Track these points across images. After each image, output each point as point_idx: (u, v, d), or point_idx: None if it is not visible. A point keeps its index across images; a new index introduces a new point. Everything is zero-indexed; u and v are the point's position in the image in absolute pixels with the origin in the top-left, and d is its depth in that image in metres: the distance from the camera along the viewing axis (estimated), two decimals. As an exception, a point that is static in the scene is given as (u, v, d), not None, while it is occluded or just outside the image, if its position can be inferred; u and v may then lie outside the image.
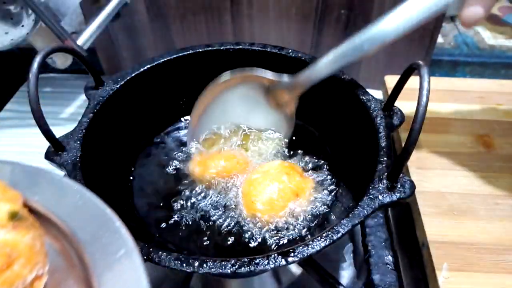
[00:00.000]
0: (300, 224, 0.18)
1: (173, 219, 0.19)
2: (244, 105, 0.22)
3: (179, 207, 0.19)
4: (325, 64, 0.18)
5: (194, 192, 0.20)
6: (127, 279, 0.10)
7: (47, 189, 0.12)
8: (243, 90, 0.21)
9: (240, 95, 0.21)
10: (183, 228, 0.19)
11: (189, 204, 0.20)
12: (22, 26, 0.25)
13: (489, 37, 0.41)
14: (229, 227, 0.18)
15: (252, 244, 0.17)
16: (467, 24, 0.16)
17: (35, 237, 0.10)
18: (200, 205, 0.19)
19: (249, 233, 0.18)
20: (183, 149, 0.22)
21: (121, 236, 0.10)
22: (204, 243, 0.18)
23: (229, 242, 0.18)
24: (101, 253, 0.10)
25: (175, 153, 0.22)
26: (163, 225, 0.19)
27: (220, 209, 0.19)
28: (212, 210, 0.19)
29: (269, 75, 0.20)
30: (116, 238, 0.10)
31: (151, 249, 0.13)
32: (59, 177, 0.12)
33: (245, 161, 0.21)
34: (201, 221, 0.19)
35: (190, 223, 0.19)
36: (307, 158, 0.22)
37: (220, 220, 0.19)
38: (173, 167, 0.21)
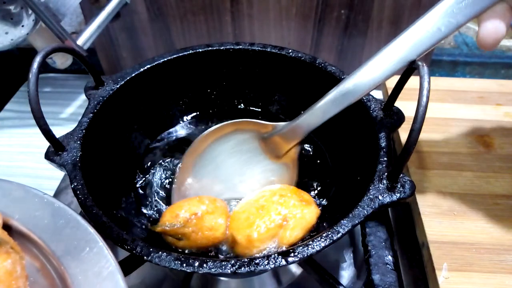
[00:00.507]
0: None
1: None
2: (238, 159, 0.19)
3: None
4: (321, 110, 0.17)
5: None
6: None
7: (28, 207, 0.12)
8: (235, 142, 0.19)
9: (232, 148, 0.19)
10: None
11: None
12: (22, 26, 0.25)
13: (489, 37, 0.41)
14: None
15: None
16: (488, 46, 0.13)
17: (15, 261, 0.10)
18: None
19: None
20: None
21: (105, 257, 0.10)
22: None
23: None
24: (84, 274, 0.10)
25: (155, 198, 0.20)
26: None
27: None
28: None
29: (261, 123, 0.19)
30: (99, 258, 0.10)
31: (151, 249, 0.13)
32: (40, 194, 0.12)
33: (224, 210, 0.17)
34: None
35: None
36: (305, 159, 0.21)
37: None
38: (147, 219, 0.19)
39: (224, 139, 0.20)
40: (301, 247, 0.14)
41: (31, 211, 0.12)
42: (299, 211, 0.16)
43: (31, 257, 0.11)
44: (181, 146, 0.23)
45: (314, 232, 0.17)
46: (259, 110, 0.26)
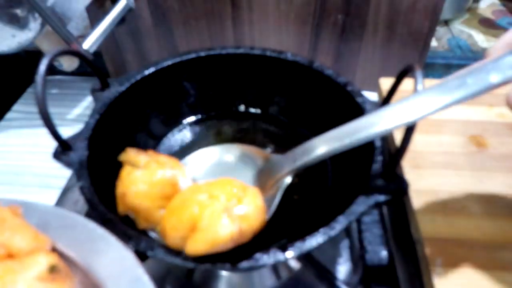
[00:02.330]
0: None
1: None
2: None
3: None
4: (311, 146, 0.16)
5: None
6: None
7: (71, 233, 0.12)
8: (235, 163, 0.18)
9: (230, 167, 0.18)
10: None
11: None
12: (29, 29, 0.26)
13: (482, 40, 0.42)
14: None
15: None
16: None
17: None
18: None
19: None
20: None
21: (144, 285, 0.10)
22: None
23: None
24: None
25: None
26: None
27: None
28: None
29: (264, 153, 0.17)
30: (138, 281, 0.10)
31: (155, 245, 0.14)
32: (82, 221, 0.12)
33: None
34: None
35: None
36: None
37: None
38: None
39: (226, 157, 0.18)
40: (299, 243, 0.14)
41: (71, 234, 0.12)
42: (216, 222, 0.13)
43: (78, 282, 0.11)
44: (182, 146, 0.24)
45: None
46: (259, 111, 0.27)
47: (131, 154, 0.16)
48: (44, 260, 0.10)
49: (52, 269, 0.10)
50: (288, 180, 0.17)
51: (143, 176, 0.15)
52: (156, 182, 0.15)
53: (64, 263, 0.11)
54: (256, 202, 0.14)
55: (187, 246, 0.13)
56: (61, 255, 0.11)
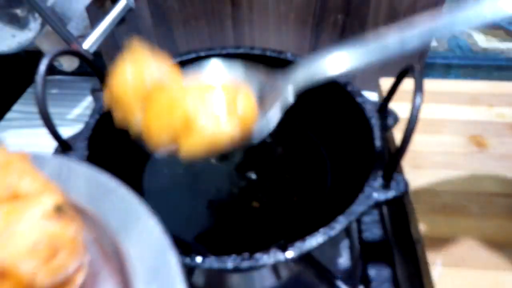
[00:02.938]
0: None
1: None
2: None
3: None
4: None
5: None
6: (163, 275, 0.10)
7: (79, 183, 0.12)
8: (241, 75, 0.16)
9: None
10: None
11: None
12: (29, 29, 0.26)
13: (482, 40, 0.42)
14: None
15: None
16: None
17: (78, 231, 0.10)
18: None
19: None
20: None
21: (156, 232, 0.10)
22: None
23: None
24: (137, 247, 0.10)
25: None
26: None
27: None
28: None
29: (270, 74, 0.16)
30: (151, 234, 0.10)
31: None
32: (89, 170, 0.12)
33: None
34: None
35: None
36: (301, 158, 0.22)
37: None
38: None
39: (228, 71, 0.16)
40: (299, 243, 0.14)
41: (82, 186, 0.12)
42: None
43: (87, 230, 0.11)
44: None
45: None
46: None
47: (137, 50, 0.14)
48: (50, 200, 0.10)
49: (58, 209, 0.10)
50: (291, 98, 0.15)
51: (132, 68, 0.14)
52: (142, 76, 0.13)
53: (75, 211, 0.11)
54: (250, 100, 0.13)
55: (182, 147, 0.12)
56: (72, 205, 0.11)
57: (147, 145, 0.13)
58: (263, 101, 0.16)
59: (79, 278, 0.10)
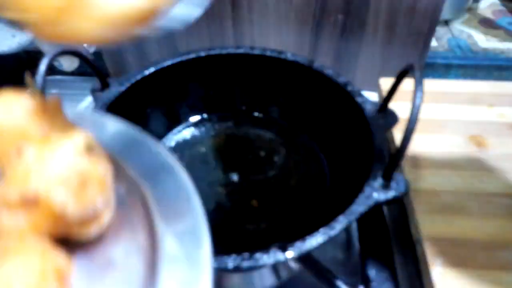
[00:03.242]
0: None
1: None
2: None
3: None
4: None
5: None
6: (187, 218, 0.10)
7: (107, 132, 0.13)
8: None
9: None
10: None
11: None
12: (29, 30, 0.26)
13: (482, 40, 0.42)
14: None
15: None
16: None
17: (106, 170, 0.11)
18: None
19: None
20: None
21: (183, 182, 0.11)
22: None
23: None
24: (163, 196, 0.11)
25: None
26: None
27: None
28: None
29: None
30: (178, 183, 0.11)
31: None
32: (117, 123, 0.13)
33: None
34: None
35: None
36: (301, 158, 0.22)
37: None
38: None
39: None
40: (299, 242, 0.14)
41: (113, 139, 0.12)
42: None
43: (118, 180, 0.11)
44: (183, 147, 0.24)
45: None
46: (259, 111, 0.26)
47: None
48: (81, 139, 0.10)
49: (89, 148, 0.10)
50: None
51: None
52: None
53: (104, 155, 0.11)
54: None
55: (73, 24, 0.08)
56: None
57: (21, 22, 0.09)
58: None
59: (107, 217, 0.10)
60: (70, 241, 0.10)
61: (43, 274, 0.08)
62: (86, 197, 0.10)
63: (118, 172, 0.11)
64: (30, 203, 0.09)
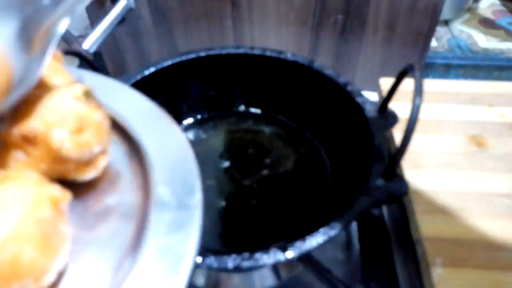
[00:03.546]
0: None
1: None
2: None
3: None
4: None
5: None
6: (181, 170, 0.11)
7: (115, 96, 0.13)
8: None
9: None
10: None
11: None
12: (30, 30, 0.26)
13: (482, 40, 0.42)
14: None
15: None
16: None
17: (103, 117, 0.11)
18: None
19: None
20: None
21: (179, 136, 0.11)
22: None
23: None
24: (160, 151, 0.11)
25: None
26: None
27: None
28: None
29: None
30: (175, 138, 0.11)
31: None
32: (127, 88, 0.14)
33: None
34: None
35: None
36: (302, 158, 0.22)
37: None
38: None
39: None
40: (299, 243, 0.14)
41: (116, 100, 0.13)
42: None
43: (118, 137, 0.12)
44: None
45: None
46: (259, 111, 0.27)
47: None
48: (79, 86, 0.11)
49: (87, 94, 0.11)
50: (64, 25, 0.11)
51: None
52: None
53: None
54: None
55: None
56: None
57: None
58: (30, 37, 0.11)
59: (103, 162, 0.11)
60: (67, 186, 0.10)
61: (38, 198, 0.09)
62: (82, 140, 0.10)
63: (118, 129, 0.12)
64: (29, 141, 0.10)
